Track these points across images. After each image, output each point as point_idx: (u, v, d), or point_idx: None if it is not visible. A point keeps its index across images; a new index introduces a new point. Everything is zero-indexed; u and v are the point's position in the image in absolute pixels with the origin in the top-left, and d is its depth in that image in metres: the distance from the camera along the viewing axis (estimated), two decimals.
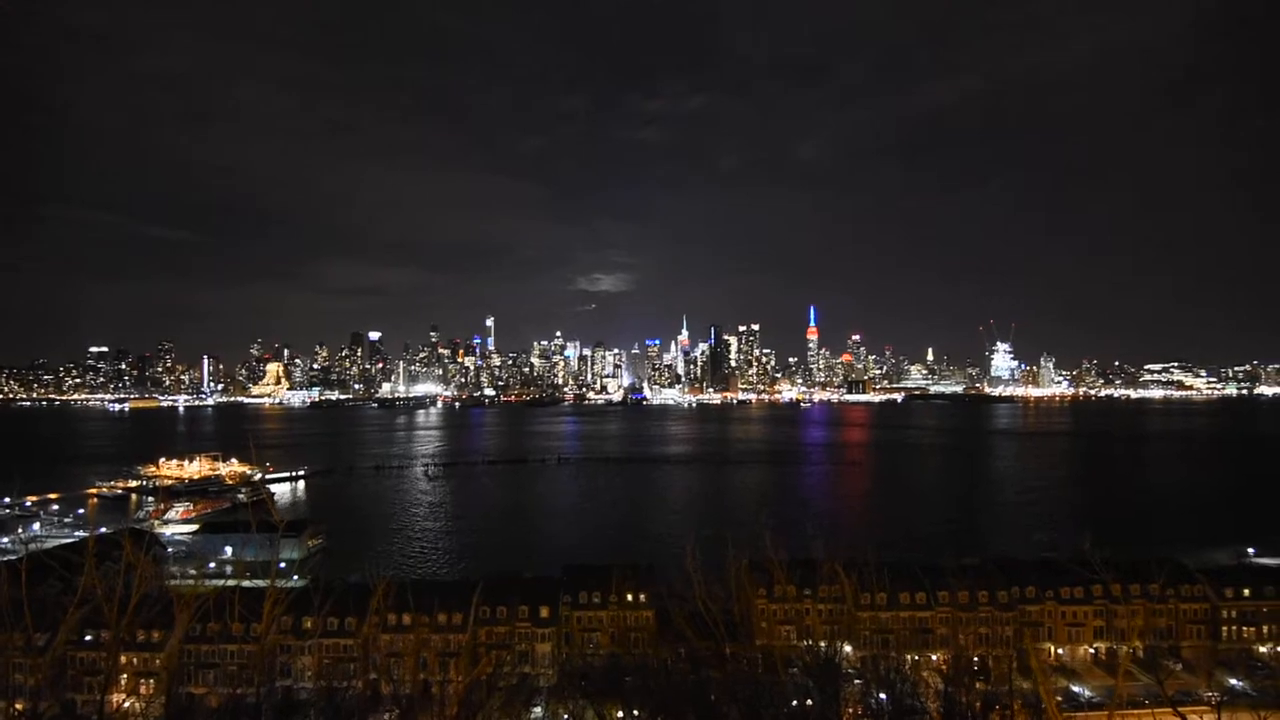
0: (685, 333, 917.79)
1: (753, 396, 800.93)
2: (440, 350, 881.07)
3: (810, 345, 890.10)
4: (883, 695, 43.06)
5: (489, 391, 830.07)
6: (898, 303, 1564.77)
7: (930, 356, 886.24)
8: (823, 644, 58.93)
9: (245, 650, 56.65)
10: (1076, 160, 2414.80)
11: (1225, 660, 65.23)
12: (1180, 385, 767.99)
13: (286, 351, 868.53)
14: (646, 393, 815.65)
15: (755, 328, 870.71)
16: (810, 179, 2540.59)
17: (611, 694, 52.15)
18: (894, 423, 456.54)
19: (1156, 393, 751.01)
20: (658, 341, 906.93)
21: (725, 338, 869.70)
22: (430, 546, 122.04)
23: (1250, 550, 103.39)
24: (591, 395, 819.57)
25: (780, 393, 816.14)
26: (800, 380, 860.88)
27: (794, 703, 47.54)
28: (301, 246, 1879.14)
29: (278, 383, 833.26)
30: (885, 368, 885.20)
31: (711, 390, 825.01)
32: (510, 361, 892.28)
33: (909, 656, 63.67)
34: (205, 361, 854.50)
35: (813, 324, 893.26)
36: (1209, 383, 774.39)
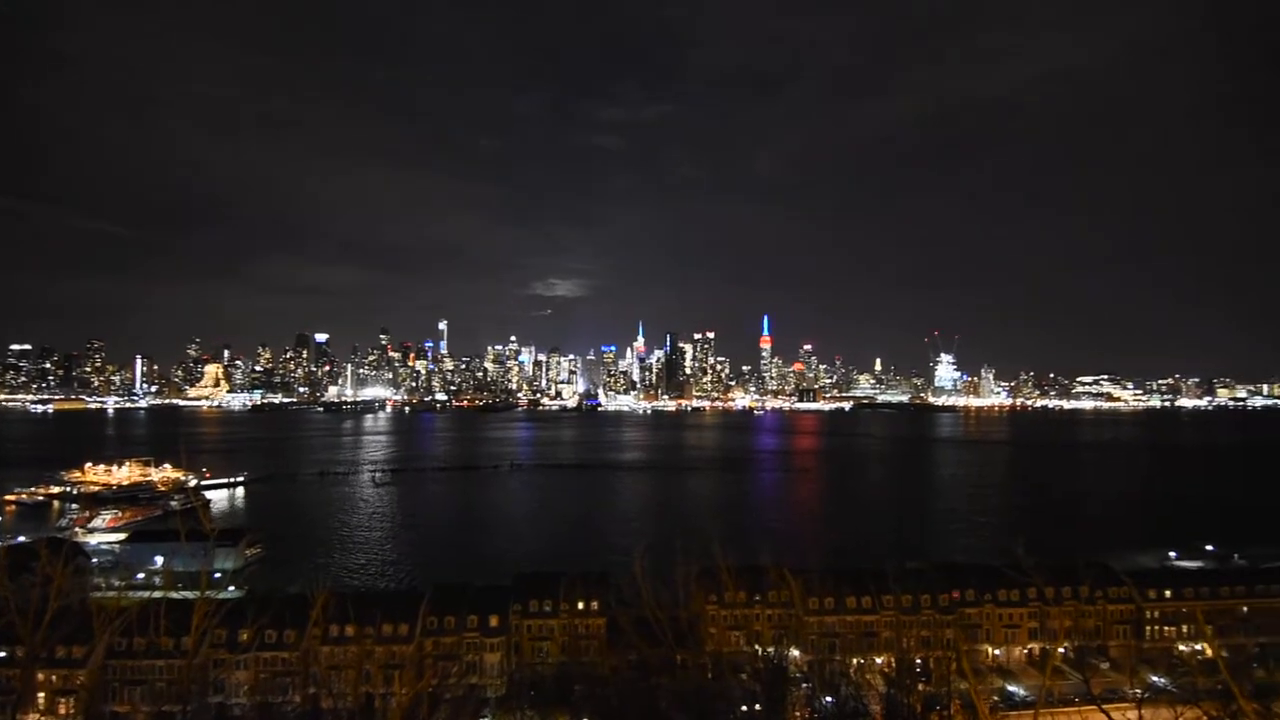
0: (641, 339, 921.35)
1: (707, 404, 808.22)
2: (390, 353, 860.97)
3: (764, 354, 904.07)
4: (828, 698, 43.83)
5: (440, 396, 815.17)
6: (848, 314, 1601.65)
7: (878, 366, 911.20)
8: (771, 649, 59.71)
9: (174, 665, 53.98)
10: (1015, 179, 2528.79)
11: (1149, 658, 68.69)
12: (1109, 397, 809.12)
13: (227, 352, 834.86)
14: (601, 399, 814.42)
15: (710, 336, 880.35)
16: (766, 190, 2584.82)
17: (560, 703, 51.69)
18: (843, 431, 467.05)
19: (1088, 404, 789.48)
20: (613, 348, 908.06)
21: (681, 345, 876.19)
22: (376, 556, 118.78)
23: (1172, 554, 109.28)
24: (546, 401, 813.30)
25: (734, 400, 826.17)
26: (753, 388, 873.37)
27: (743, 708, 47.98)
28: (244, 243, 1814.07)
29: (216, 385, 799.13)
30: (835, 377, 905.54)
31: (666, 397, 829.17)
32: (463, 366, 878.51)
33: (854, 660, 65.02)
34: (138, 362, 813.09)
35: (766, 333, 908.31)
36: (1135, 395, 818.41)
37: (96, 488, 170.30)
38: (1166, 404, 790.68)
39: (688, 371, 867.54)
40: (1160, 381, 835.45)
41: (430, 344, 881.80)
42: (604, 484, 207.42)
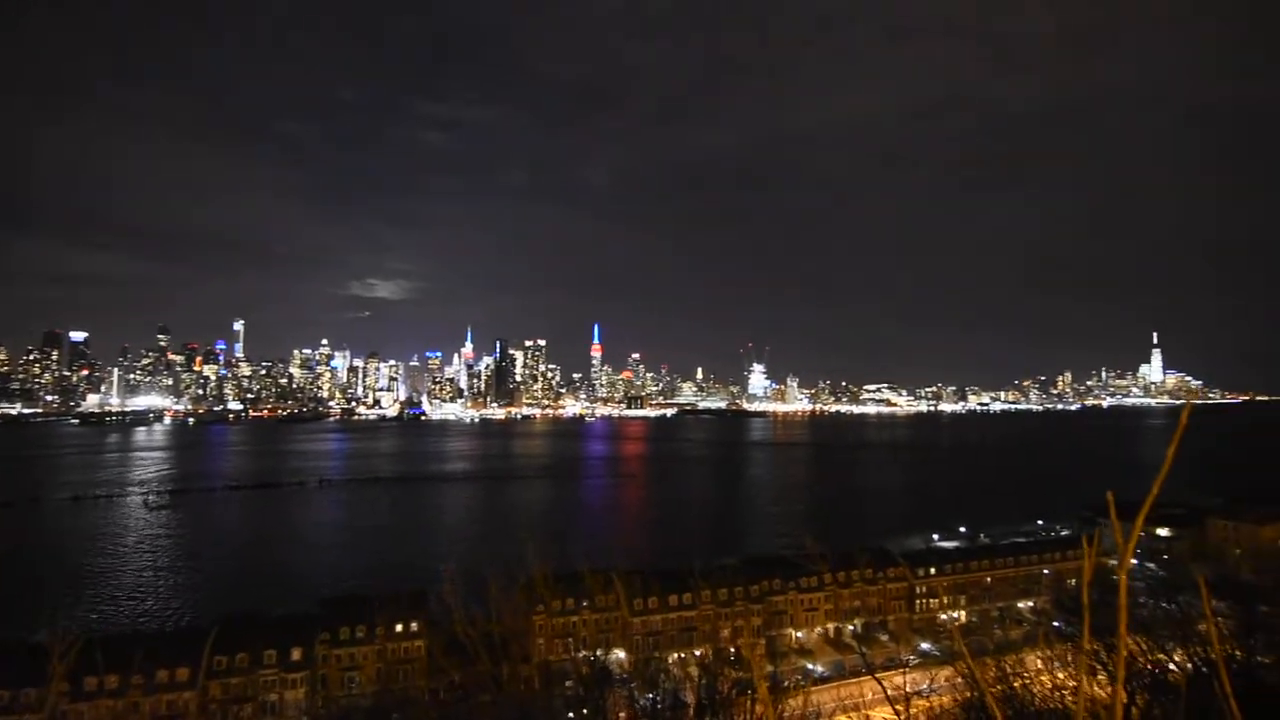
0: (470, 345, 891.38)
1: (537, 411, 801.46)
2: (171, 356, 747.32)
3: (594, 362, 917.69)
4: (650, 695, 45.43)
5: (235, 405, 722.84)
6: (674, 324, 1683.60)
7: (700, 375, 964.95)
8: (598, 652, 60.63)
9: None
10: (811, 209, 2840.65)
11: (919, 628, 79.75)
12: (888, 403, 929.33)
13: None
14: (426, 407, 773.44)
15: (541, 343, 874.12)
16: (596, 202, 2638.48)
17: None
18: (668, 436, 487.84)
19: (872, 409, 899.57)
20: (439, 354, 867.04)
21: (511, 352, 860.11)
22: (151, 591, 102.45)
23: (935, 536, 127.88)
24: (362, 410, 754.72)
25: (564, 408, 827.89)
26: (584, 395, 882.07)
27: (570, 714, 48.18)
28: None
29: None
30: (661, 385, 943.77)
31: (495, 405, 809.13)
32: (263, 371, 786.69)
33: (676, 655, 68.07)
34: None
35: (596, 341, 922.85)
36: (908, 400, 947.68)
37: None
38: (931, 408, 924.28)
39: (518, 379, 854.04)
40: (927, 389, 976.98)
41: (222, 346, 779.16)
42: (426, 497, 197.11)
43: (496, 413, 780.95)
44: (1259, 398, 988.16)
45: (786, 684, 55.28)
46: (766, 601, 74.60)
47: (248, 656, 55.16)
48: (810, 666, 70.14)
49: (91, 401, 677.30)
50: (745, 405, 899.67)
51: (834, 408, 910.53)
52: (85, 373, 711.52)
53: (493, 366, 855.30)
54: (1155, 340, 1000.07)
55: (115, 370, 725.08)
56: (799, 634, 76.57)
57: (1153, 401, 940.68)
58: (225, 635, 56.54)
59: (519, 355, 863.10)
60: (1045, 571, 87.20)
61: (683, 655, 68.27)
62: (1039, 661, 37.65)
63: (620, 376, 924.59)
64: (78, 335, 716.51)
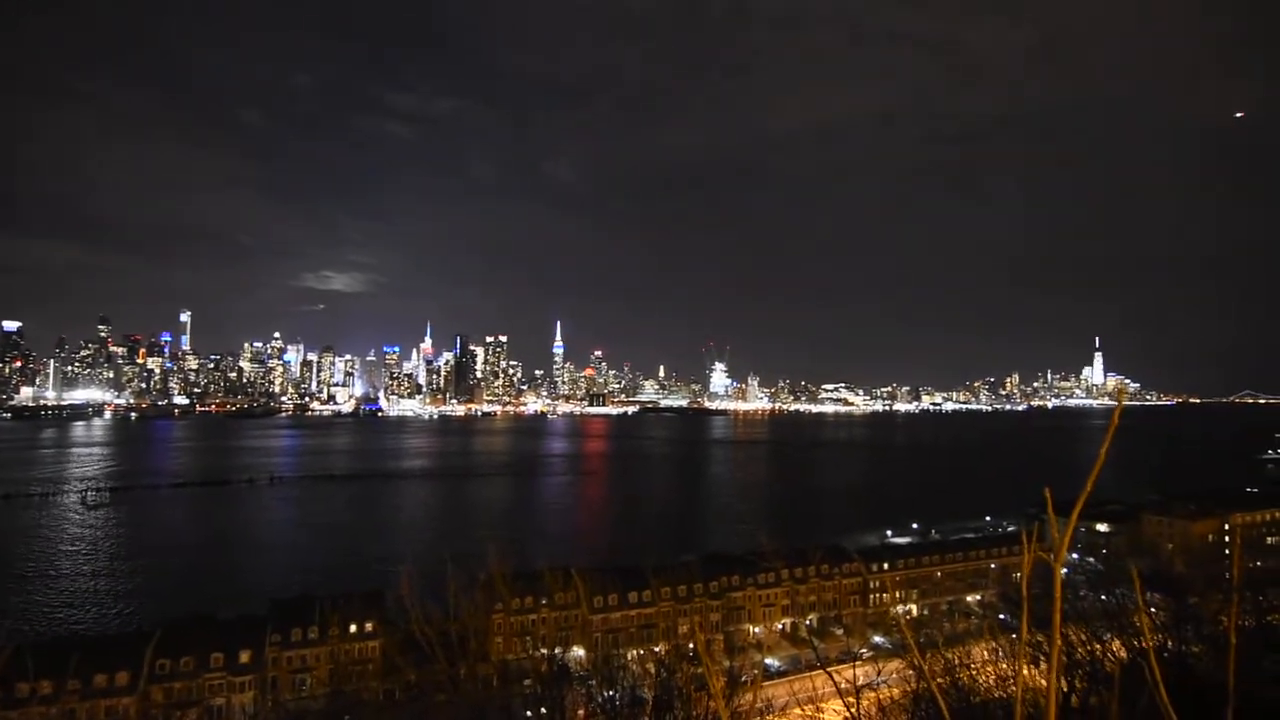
0: (429, 341, 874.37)
1: (498, 408, 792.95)
2: (112, 348, 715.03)
3: (556, 359, 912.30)
4: (609, 692, 45.46)
5: (181, 400, 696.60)
6: (636, 322, 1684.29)
7: (661, 373, 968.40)
8: (558, 650, 60.39)
9: None
10: (772, 211, 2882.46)
11: (873, 622, 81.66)
12: (845, 402, 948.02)
13: None
14: (383, 403, 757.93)
15: (503, 339, 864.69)
16: (560, 198, 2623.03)
17: None
18: (629, 433, 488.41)
19: (830, 408, 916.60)
20: (397, 349, 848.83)
21: (472, 348, 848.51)
22: (89, 594, 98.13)
23: (888, 532, 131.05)
24: (317, 406, 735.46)
25: (525, 405, 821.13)
26: (545, 393, 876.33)
27: (527, 713, 47.84)
28: None
29: None
30: (624, 382, 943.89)
31: (455, 401, 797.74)
32: (211, 365, 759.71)
33: (635, 651, 68.27)
34: None
35: (558, 338, 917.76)
36: (864, 400, 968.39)
37: None
38: (886, 407, 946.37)
39: (479, 375, 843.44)
40: (883, 389, 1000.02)
41: (168, 337, 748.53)
42: (382, 495, 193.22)
43: (456, 409, 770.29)
44: (1191, 400, 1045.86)
45: (744, 679, 55.97)
46: (725, 598, 75.44)
47: (193, 660, 53.31)
48: (768, 661, 71.19)
49: (25, 395, 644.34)
50: (707, 404, 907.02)
51: (793, 407, 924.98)
52: (19, 364, 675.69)
53: (453, 362, 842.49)
54: (1098, 344, 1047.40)
55: (52, 362, 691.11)
56: (757, 629, 77.61)
57: (1094, 403, 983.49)
58: (169, 638, 54.51)
59: (480, 351, 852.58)
60: (992, 566, 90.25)
61: (641, 652, 68.54)
62: (985, 653, 38.97)
63: (582, 374, 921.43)
64: (10, 325, 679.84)
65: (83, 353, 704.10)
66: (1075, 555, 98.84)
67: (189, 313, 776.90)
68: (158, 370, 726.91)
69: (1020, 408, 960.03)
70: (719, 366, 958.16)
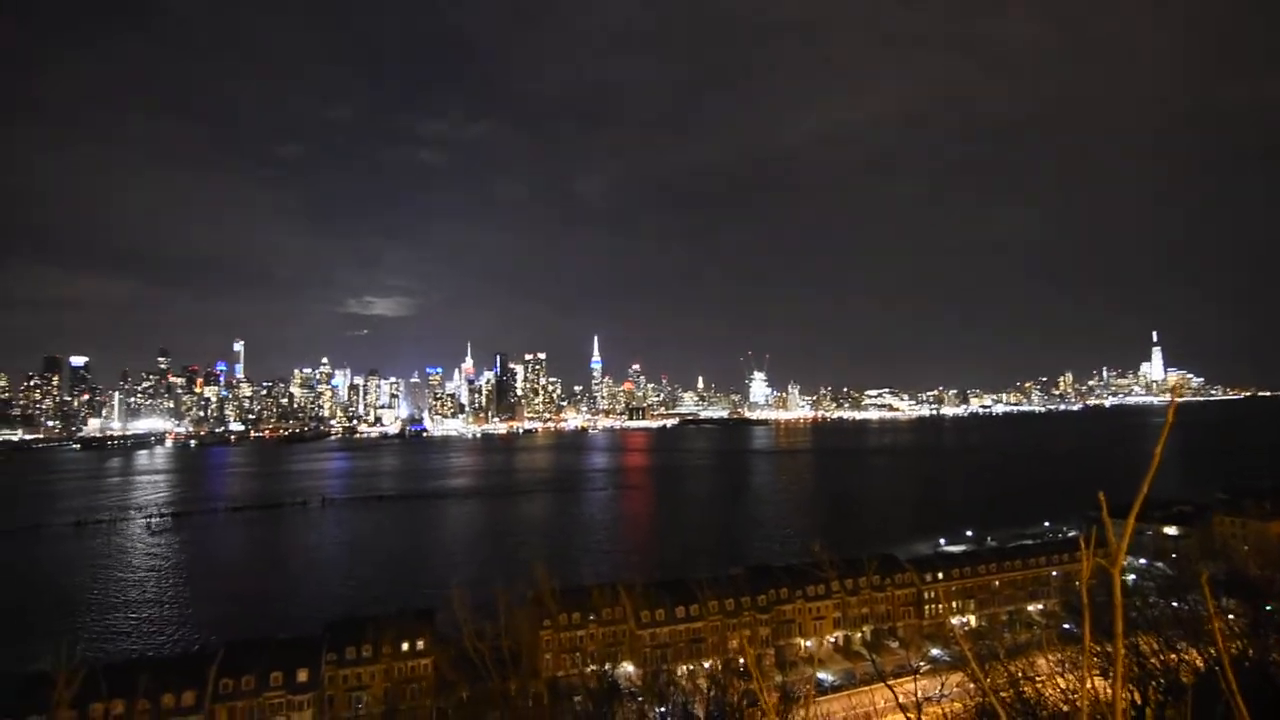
0: (470, 360, 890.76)
1: (539, 425, 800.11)
2: (172, 379, 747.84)
3: (594, 374, 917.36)
4: (660, 709, 45.12)
5: (236, 426, 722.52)
6: (673, 334, 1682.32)
7: (700, 384, 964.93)
8: (608, 666, 60.23)
9: None
10: (805, 218, 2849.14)
11: (929, 634, 79.15)
12: (890, 408, 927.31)
13: None
14: (428, 424, 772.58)
15: (542, 356, 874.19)
16: (593, 215, 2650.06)
17: None
18: (670, 446, 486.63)
19: (874, 414, 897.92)
20: (439, 370, 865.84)
21: (511, 366, 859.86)
22: (155, 616, 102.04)
23: (942, 540, 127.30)
24: (364, 428, 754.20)
25: (566, 421, 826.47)
26: (585, 408, 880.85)
27: None
28: None
29: None
30: (663, 395, 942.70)
31: (497, 420, 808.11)
32: (264, 392, 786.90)
33: (685, 667, 67.59)
34: None
35: (596, 353, 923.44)
36: (910, 405, 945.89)
37: None
38: (933, 412, 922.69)
39: (519, 393, 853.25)
40: (929, 393, 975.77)
41: (223, 367, 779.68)
42: (429, 514, 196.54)
43: (498, 427, 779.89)
44: (1260, 393, 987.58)
45: (798, 695, 54.86)
46: (774, 611, 74.17)
47: (253, 679, 54.89)
48: (821, 675, 69.64)
49: (93, 426, 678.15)
50: (747, 414, 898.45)
51: (836, 414, 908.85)
52: (86, 397, 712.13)
53: (493, 381, 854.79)
54: (1155, 339, 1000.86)
55: (116, 394, 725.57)
56: (808, 643, 76.05)
57: (1155, 399, 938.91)
58: (230, 658, 56.29)
59: (519, 369, 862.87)
60: (1054, 573, 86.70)
61: (691, 667, 67.82)
62: (1050, 664, 37.42)
63: (621, 388, 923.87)
64: (78, 360, 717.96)
65: (144, 384, 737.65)
66: (1143, 560, 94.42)
67: (242, 342, 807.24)
68: (214, 399, 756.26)
69: (1075, 407, 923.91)
70: (758, 375, 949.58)
